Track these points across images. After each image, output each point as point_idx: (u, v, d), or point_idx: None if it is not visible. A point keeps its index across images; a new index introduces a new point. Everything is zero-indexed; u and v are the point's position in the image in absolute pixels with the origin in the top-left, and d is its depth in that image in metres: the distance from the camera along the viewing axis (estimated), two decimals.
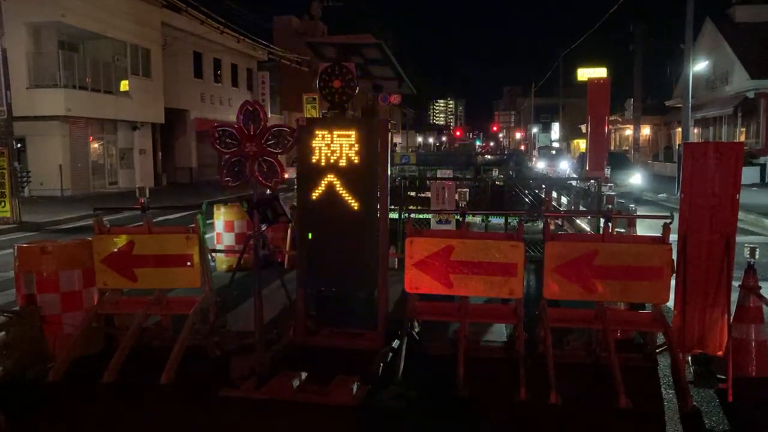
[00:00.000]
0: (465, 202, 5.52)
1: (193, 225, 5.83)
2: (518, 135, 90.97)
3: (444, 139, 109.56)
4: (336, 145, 5.38)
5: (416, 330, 5.82)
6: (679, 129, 39.91)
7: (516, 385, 5.07)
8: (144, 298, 6.02)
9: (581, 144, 55.10)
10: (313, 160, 5.46)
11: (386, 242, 5.47)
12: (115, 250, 5.85)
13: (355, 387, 4.80)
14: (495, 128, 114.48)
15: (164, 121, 31.88)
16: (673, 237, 5.30)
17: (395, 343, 5.52)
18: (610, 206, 5.38)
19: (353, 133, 5.34)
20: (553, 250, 5.41)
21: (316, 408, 4.72)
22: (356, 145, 5.33)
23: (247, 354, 5.41)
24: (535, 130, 78.91)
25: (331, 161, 5.42)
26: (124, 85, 28.05)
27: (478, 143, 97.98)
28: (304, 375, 4.98)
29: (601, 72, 56.37)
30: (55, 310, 5.73)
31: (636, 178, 20.83)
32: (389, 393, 4.81)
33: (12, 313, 5.46)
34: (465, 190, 5.59)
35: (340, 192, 5.43)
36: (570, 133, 66.57)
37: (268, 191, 5.58)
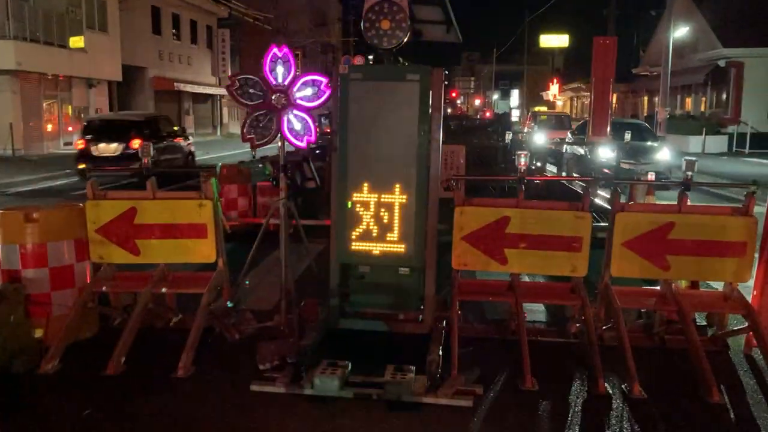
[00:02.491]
0: (524, 168, 4.83)
1: (206, 190, 5.02)
2: (477, 101, 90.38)
3: None
4: (383, 98, 4.60)
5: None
6: (647, 97, 39.99)
7: (583, 374, 4.54)
8: (145, 274, 5.20)
9: (542, 109, 54.95)
10: (355, 116, 4.67)
11: (435, 212, 4.76)
12: (113, 218, 5.00)
13: (411, 380, 4.11)
14: (454, 94, 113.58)
15: (121, 79, 30.23)
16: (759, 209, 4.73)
17: (443, 327, 4.86)
18: (690, 173, 4.76)
19: (405, 84, 4.56)
20: (624, 222, 4.79)
21: (368, 406, 4.03)
22: (407, 99, 4.56)
23: (276, 340, 4.68)
24: (495, 96, 78.67)
25: (377, 117, 4.63)
26: (79, 40, 26.30)
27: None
28: (348, 366, 4.26)
29: (563, 39, 56.20)
30: (43, 289, 4.87)
31: (664, 154, 16.26)
32: (451, 387, 4.15)
33: None
34: (524, 152, 4.89)
35: (386, 153, 4.67)
36: (530, 100, 66.35)
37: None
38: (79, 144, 16.16)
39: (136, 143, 15.07)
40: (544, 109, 48.64)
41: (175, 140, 17.51)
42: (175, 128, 18.00)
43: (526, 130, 25.23)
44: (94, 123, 17.13)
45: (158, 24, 34.91)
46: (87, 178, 5.03)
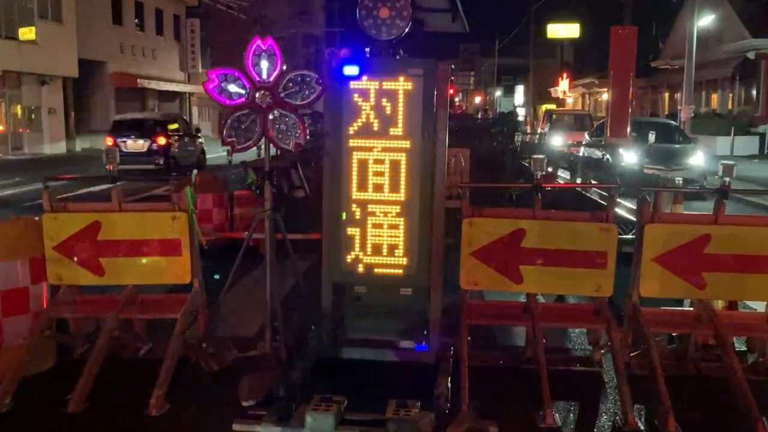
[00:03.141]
0: (542, 173, 4.81)
1: (179, 201, 4.96)
2: (477, 99, 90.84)
3: None
4: (381, 98, 4.57)
5: None
6: (668, 94, 40.27)
7: (610, 407, 4.53)
8: (111, 297, 5.15)
9: (553, 107, 55.09)
10: (349, 117, 4.64)
11: (440, 226, 4.72)
12: (74, 233, 4.94)
13: (417, 417, 4.05)
14: (451, 91, 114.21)
15: (78, 75, 30.18)
16: None
17: (451, 355, 4.82)
18: (727, 179, 4.75)
19: (405, 80, 4.53)
20: (655, 234, 4.76)
21: None
22: (409, 98, 4.53)
23: (260, 371, 4.62)
24: (498, 93, 78.98)
25: (374, 119, 4.60)
26: (30, 31, 26.27)
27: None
28: (343, 401, 4.20)
29: (573, 29, 56.41)
30: None
31: (697, 158, 15.31)
32: (461, 424, 4.10)
33: None
34: (542, 156, 4.88)
35: (385, 161, 4.63)
36: (536, 97, 66.51)
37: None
38: (109, 142, 19.72)
39: (161, 140, 19.88)
40: (553, 107, 48.76)
41: (191, 138, 22.34)
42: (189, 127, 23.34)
43: (539, 130, 25.06)
44: (122, 122, 21.40)
45: (119, 13, 34.99)
46: (45, 187, 4.96)
